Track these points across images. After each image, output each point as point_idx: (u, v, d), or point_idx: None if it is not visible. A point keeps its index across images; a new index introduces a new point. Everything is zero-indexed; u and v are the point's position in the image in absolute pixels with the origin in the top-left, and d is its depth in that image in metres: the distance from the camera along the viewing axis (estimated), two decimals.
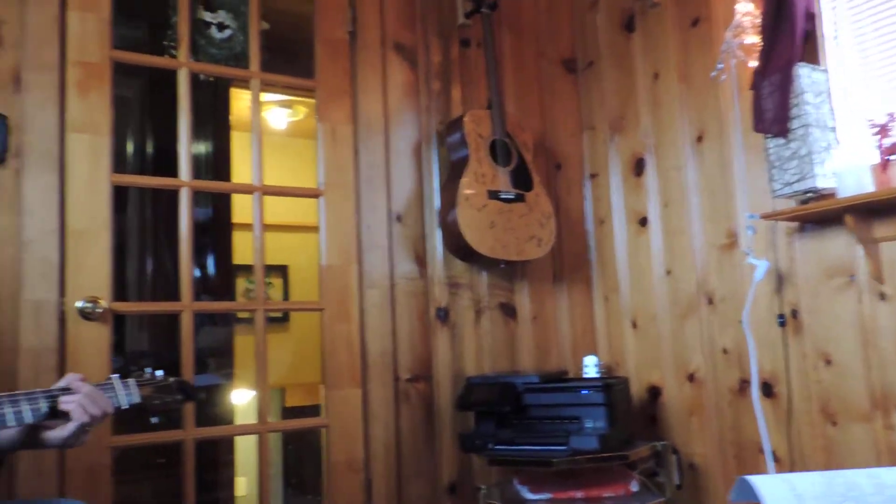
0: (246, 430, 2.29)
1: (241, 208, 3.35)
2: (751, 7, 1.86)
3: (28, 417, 1.09)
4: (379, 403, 2.18)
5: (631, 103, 2.42)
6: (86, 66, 1.87)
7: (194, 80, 2.04)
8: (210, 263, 2.92)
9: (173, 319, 2.87)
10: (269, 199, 3.65)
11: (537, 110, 2.58)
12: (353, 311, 2.20)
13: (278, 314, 4.35)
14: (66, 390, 1.16)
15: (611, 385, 2.04)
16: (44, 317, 1.77)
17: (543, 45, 2.63)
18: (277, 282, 4.77)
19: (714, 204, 2.12)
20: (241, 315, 4.07)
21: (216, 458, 2.92)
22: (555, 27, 2.66)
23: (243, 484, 3.72)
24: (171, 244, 2.93)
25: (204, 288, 2.82)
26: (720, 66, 1.92)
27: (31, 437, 1.16)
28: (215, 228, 2.92)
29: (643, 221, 2.37)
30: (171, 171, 3.05)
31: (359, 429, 2.16)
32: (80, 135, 1.85)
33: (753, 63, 1.84)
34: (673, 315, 2.26)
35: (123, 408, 1.25)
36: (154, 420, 1.31)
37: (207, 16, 2.07)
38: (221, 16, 2.09)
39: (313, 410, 4.07)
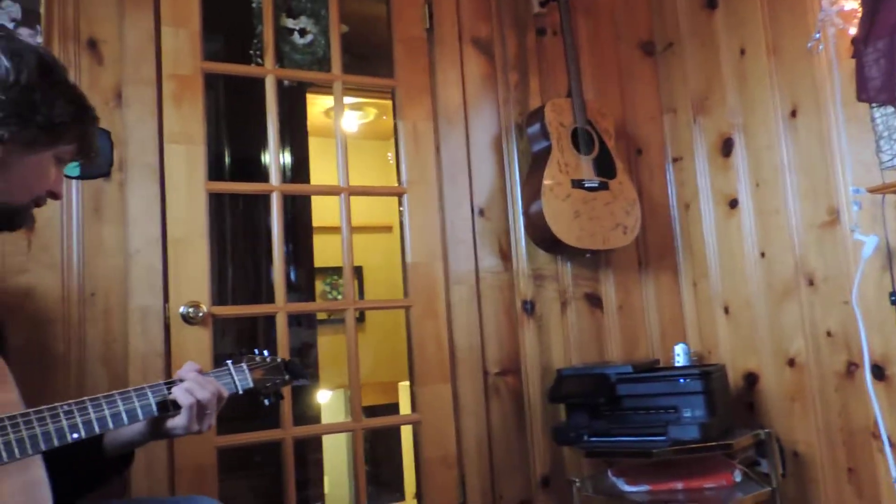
0: (341, 429, 2.33)
1: (316, 211, 3.42)
2: None
3: (139, 413, 1.13)
4: (469, 398, 2.18)
5: (715, 82, 2.35)
6: (179, 79, 1.94)
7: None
8: (292, 266, 2.98)
9: (255, 322, 2.97)
10: (326, 202, 3.70)
11: (616, 95, 2.53)
12: (440, 307, 2.21)
13: (340, 316, 4.42)
14: (176, 381, 1.20)
15: (709, 373, 1.99)
16: (150, 322, 1.84)
17: (620, 29, 2.57)
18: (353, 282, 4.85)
19: (812, 181, 2.03)
20: (320, 316, 4.16)
21: (305, 456, 2.99)
22: (631, 10, 2.60)
23: (326, 482, 3.80)
24: (254, 248, 3.02)
25: (288, 290, 2.89)
26: (817, 35, 1.84)
27: (156, 428, 1.21)
28: (296, 232, 2.98)
29: (733, 203, 2.30)
30: (252, 176, 3.14)
31: (450, 424, 2.17)
32: (176, 145, 1.92)
33: (853, 30, 1.75)
34: (769, 299, 2.18)
35: (240, 393, 1.27)
36: (266, 402, 1.32)
37: (290, 23, 2.12)
38: (303, 21, 2.13)
39: (391, 408, 4.12)
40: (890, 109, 1.66)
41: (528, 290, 2.30)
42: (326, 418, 3.88)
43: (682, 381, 1.99)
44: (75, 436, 1.03)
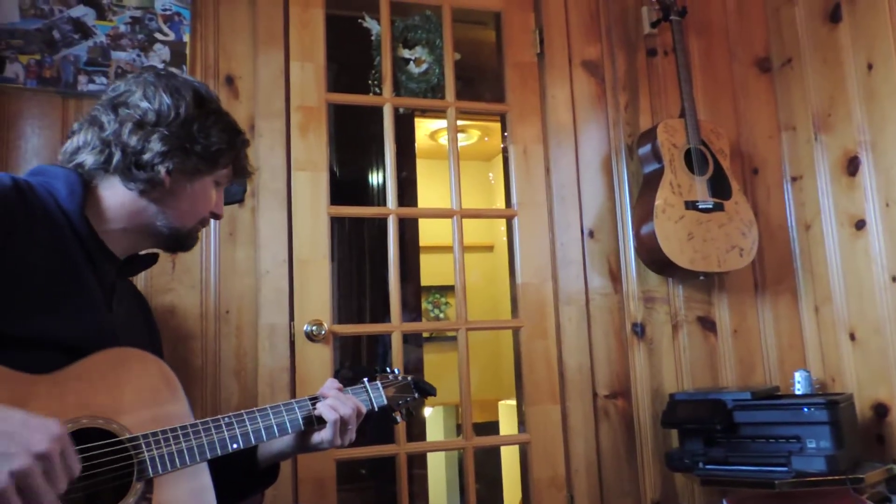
0: (452, 446, 2.37)
1: (421, 230, 3.51)
2: None
3: (289, 427, 1.20)
4: (578, 419, 2.17)
5: (839, 98, 2.25)
6: (306, 110, 2.06)
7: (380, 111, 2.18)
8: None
9: (358, 340, 3.07)
10: (429, 222, 3.78)
11: (730, 114, 2.47)
12: (549, 327, 2.21)
13: (453, 333, 4.48)
14: (319, 398, 1.26)
15: (836, 402, 1.90)
16: (277, 339, 1.95)
17: (734, 47, 2.52)
18: (454, 301, 4.93)
19: None
20: (425, 334, 4.24)
21: (411, 471, 3.06)
22: (745, 27, 2.54)
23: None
24: (363, 267, 3.13)
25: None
26: None
27: (302, 442, 1.28)
28: (404, 252, 3.07)
29: (860, 224, 2.19)
30: (361, 198, 3.27)
31: (559, 445, 2.16)
32: (302, 172, 2.03)
33: None
34: None
35: (375, 410, 1.33)
36: (397, 420, 1.38)
37: (406, 53, 2.21)
38: (418, 52, 2.21)
39: (491, 427, 4.13)
40: None
41: (639, 312, 2.27)
42: (429, 435, 3.94)
43: (806, 409, 1.90)
44: (235, 446, 1.11)
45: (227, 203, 1.87)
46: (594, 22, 2.40)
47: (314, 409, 1.24)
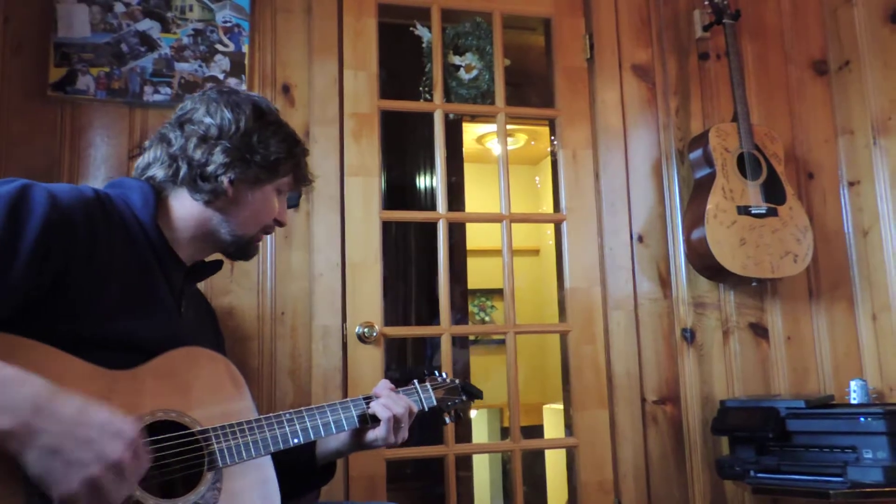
0: (499, 448, 2.39)
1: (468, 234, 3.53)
2: None
3: (345, 424, 1.25)
4: (626, 425, 2.17)
5: None
6: (359, 117, 2.11)
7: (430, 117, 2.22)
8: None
9: (405, 342, 3.10)
10: (475, 225, 3.79)
11: (785, 118, 2.43)
12: (597, 332, 2.22)
13: (499, 337, 4.50)
14: (373, 397, 1.32)
15: (894, 412, 1.85)
16: (330, 340, 2.00)
17: (789, 49, 2.48)
18: (499, 304, 4.94)
19: None
20: (471, 337, 4.27)
21: (457, 473, 3.08)
22: (801, 29, 2.50)
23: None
24: (410, 270, 3.17)
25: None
26: None
27: (358, 440, 1.33)
28: (452, 255, 3.11)
29: None
30: (410, 202, 3.31)
31: (607, 450, 2.16)
32: (355, 178, 2.08)
33: None
34: None
35: (425, 410, 1.38)
36: (447, 421, 1.42)
37: (456, 59, 2.24)
38: (468, 58, 2.24)
39: (535, 430, 4.13)
40: None
41: (689, 317, 2.26)
42: (474, 437, 3.97)
43: (862, 419, 1.86)
44: (296, 440, 1.17)
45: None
46: (645, 26, 2.39)
47: (368, 407, 1.29)
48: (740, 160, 2.19)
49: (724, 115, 2.35)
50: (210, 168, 1.19)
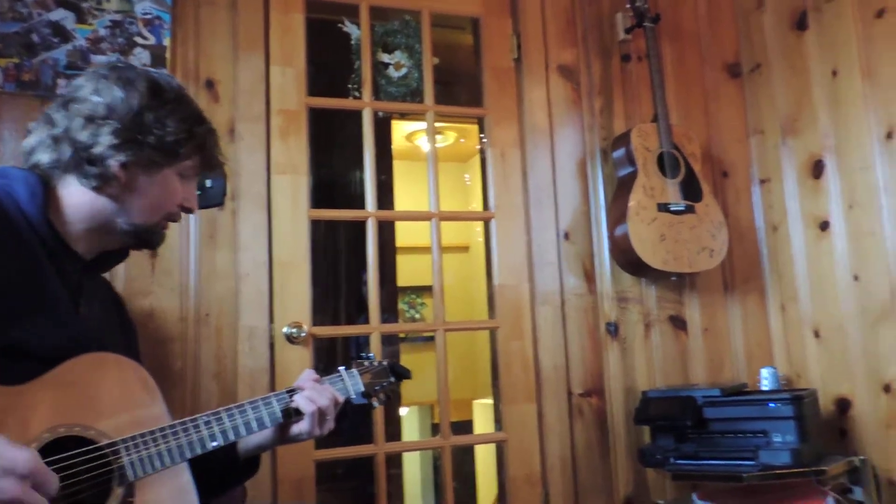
0: (429, 445, 2.40)
1: (397, 231, 3.53)
2: None
3: (267, 421, 1.21)
4: (553, 418, 2.22)
5: (805, 104, 2.33)
6: (286, 114, 2.08)
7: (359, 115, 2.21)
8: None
9: (335, 341, 3.08)
10: (405, 222, 3.79)
11: (701, 118, 2.54)
12: (526, 328, 2.26)
13: (429, 334, 4.51)
14: (296, 390, 1.27)
15: (801, 397, 1.96)
16: (257, 341, 1.97)
17: (705, 52, 2.58)
18: (430, 301, 4.96)
19: None
20: (401, 334, 4.27)
21: (387, 471, 3.09)
22: (716, 33, 2.61)
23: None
24: (339, 268, 3.14)
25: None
26: None
27: (282, 434, 1.29)
28: (382, 253, 3.10)
29: (824, 226, 2.27)
30: (340, 201, 3.28)
31: (535, 443, 2.21)
32: (282, 176, 2.05)
33: None
34: (863, 323, 2.14)
35: (353, 398, 1.34)
36: (375, 405, 1.38)
37: (385, 57, 2.23)
38: (397, 56, 2.24)
39: (465, 426, 4.17)
40: None
41: (613, 311, 2.33)
42: (404, 434, 3.97)
43: (772, 405, 1.97)
44: (214, 443, 1.12)
45: (206, 206, 1.89)
46: (570, 28, 2.44)
47: (292, 401, 1.25)
48: (660, 159, 2.27)
49: (645, 115, 2.43)
50: (97, 150, 1.09)
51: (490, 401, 3.29)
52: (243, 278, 1.97)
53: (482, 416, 4.03)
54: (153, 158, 1.14)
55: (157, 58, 1.92)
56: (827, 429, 2.22)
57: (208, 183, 1.88)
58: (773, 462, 1.91)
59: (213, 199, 1.85)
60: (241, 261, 1.97)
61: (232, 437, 1.16)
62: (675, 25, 2.56)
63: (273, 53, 2.09)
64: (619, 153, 2.31)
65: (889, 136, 2.05)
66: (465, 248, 4.99)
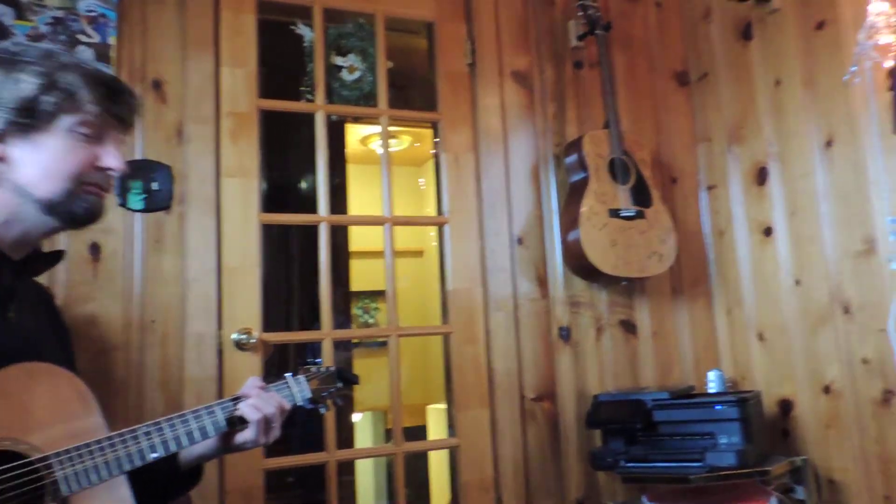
0: (382, 452, 2.38)
1: (351, 235, 3.50)
2: (885, 7, 1.82)
3: (210, 431, 1.17)
4: (506, 423, 2.23)
5: (750, 112, 2.40)
6: (237, 116, 2.04)
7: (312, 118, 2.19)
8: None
9: (287, 347, 3.03)
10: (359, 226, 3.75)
11: (652, 125, 2.58)
12: (479, 333, 2.26)
13: (384, 339, 4.48)
14: (241, 398, 1.24)
15: (745, 399, 2.02)
16: (204, 348, 1.92)
17: (655, 61, 2.63)
18: (384, 306, 4.93)
19: (847, 210, 2.07)
20: (355, 340, 4.23)
21: (339, 478, 3.05)
22: (665, 42, 2.67)
23: None
24: (293, 273, 3.10)
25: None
26: (853, 68, 1.89)
27: (226, 443, 1.25)
28: (335, 257, 3.07)
29: (767, 231, 2.33)
30: (292, 205, 3.24)
31: (488, 448, 2.21)
32: (232, 179, 2.01)
33: (889, 63, 1.80)
34: (804, 326, 2.21)
35: (299, 404, 1.30)
36: (322, 411, 1.35)
37: (339, 60, 2.21)
38: (351, 59, 2.22)
39: (419, 431, 4.16)
40: None
41: (565, 316, 2.35)
42: (357, 440, 3.94)
43: (718, 407, 2.02)
44: (154, 455, 1.09)
45: (153, 210, 1.84)
46: (524, 34, 2.46)
47: (236, 409, 1.21)
48: (612, 165, 2.30)
49: (597, 122, 2.46)
50: None
51: (444, 406, 3.30)
52: (191, 284, 1.92)
53: (436, 421, 4.03)
54: (18, 122, 1.05)
55: (102, 56, 1.86)
56: (770, 429, 2.28)
57: (155, 185, 1.83)
58: (719, 463, 1.95)
59: (159, 203, 1.81)
60: (189, 266, 1.92)
61: (173, 448, 1.12)
62: (626, 34, 2.60)
63: (223, 54, 2.05)
64: (572, 159, 2.33)
65: (829, 144, 2.13)
66: (420, 253, 4.98)
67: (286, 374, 1.33)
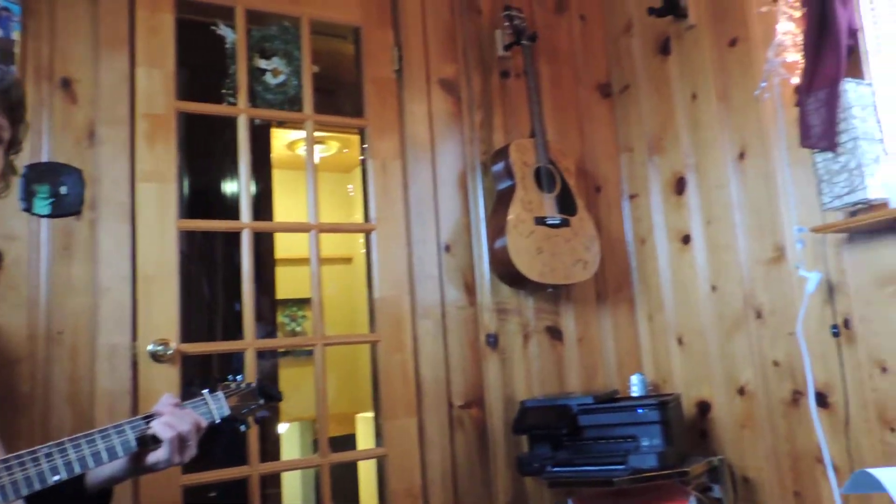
0: (307, 464, 2.33)
1: (277, 242, 3.42)
2: (791, 26, 1.92)
3: (119, 451, 1.12)
4: (434, 431, 2.22)
5: (669, 124, 2.48)
6: (153, 118, 1.95)
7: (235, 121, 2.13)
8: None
9: (209, 358, 2.94)
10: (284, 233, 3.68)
11: (576, 135, 2.63)
12: (406, 341, 2.24)
13: (310, 348, 4.40)
14: (154, 415, 1.19)
15: (666, 402, 2.07)
16: (118, 360, 1.83)
17: (579, 72, 2.69)
18: (310, 313, 4.84)
19: (759, 219, 2.16)
20: (281, 349, 4.14)
21: (263, 491, 2.97)
22: (590, 54, 2.73)
23: None
24: (216, 281, 3.00)
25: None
26: (763, 84, 1.98)
27: (136, 464, 1.19)
28: (259, 265, 2.99)
29: (686, 239, 2.41)
30: (215, 210, 3.13)
31: (416, 457, 2.20)
32: (148, 184, 1.93)
33: (796, 80, 1.90)
34: (720, 330, 2.29)
35: (217, 422, 1.26)
36: (242, 428, 1.31)
37: (262, 63, 2.15)
38: (275, 62, 2.17)
39: (348, 440, 4.10)
40: (829, 155, 1.79)
41: (492, 323, 2.36)
42: (283, 451, 3.85)
43: (640, 410, 2.06)
44: (56, 478, 1.02)
45: (61, 215, 1.75)
46: (451, 42, 2.47)
47: (148, 428, 1.16)
48: (537, 174, 2.33)
49: (523, 130, 2.50)
50: None
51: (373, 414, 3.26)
52: (103, 293, 1.83)
53: (365, 430, 3.98)
54: None
55: (4, 52, 1.76)
56: (690, 431, 2.35)
57: (63, 190, 1.74)
58: (641, 465, 1.99)
59: (68, 208, 1.71)
60: (101, 274, 1.83)
61: (77, 470, 1.05)
62: (551, 45, 2.65)
63: (139, 54, 1.97)
64: (499, 167, 2.35)
65: (741, 156, 2.22)
66: (348, 260, 4.93)
67: (203, 391, 1.28)
